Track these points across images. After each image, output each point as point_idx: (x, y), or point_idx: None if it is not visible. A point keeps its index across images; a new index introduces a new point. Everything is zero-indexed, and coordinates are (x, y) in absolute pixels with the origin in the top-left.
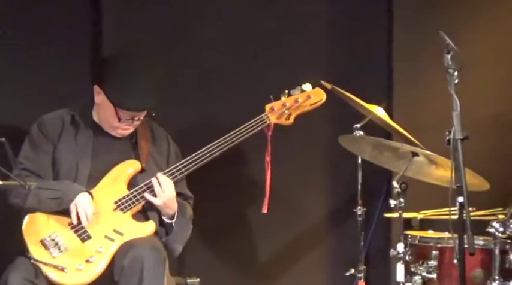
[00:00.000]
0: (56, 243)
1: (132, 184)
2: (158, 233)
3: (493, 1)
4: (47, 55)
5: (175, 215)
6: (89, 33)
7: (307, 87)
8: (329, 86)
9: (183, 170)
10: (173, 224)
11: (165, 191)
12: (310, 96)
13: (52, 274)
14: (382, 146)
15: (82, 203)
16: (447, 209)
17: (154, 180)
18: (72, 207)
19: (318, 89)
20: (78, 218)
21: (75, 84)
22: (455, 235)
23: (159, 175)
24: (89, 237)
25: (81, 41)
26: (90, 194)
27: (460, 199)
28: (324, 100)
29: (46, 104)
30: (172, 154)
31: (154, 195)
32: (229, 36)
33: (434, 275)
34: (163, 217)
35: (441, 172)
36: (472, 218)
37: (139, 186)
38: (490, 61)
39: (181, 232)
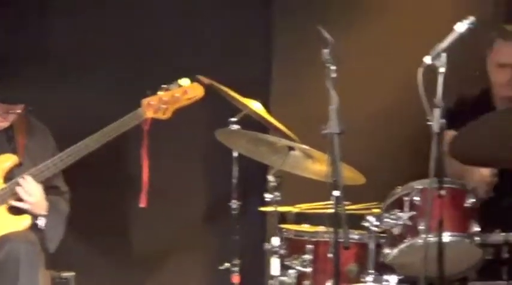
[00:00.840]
0: None
1: (8, 178)
2: (35, 227)
3: None
4: None
5: (46, 215)
6: None
7: (184, 81)
8: (207, 81)
9: (60, 164)
10: (44, 226)
11: (31, 194)
12: (187, 91)
13: None
14: (259, 141)
15: None
16: (323, 203)
17: (19, 188)
18: None
19: (195, 84)
20: None
21: None
22: (331, 229)
23: (24, 178)
24: None
25: None
26: None
27: (336, 193)
28: (201, 95)
29: None
30: (50, 148)
31: (21, 199)
32: (107, 30)
33: (309, 269)
34: (34, 220)
35: (317, 166)
36: (347, 212)
37: (14, 180)
38: (368, 56)
39: (54, 231)
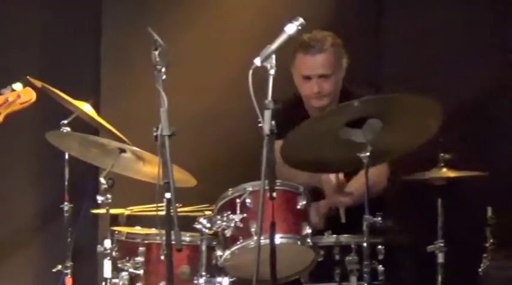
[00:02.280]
0: None
1: None
2: None
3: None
4: None
5: None
6: None
7: (17, 86)
8: (38, 83)
9: None
10: None
11: None
12: (20, 95)
13: None
14: (89, 143)
15: None
16: (154, 205)
17: None
18: None
19: (28, 89)
20: None
21: None
22: (163, 231)
23: None
24: None
25: None
26: None
27: (168, 195)
28: (33, 99)
29: None
30: None
31: None
32: None
33: (141, 271)
34: None
35: (149, 168)
36: (179, 214)
37: None
38: (197, 57)
39: None
